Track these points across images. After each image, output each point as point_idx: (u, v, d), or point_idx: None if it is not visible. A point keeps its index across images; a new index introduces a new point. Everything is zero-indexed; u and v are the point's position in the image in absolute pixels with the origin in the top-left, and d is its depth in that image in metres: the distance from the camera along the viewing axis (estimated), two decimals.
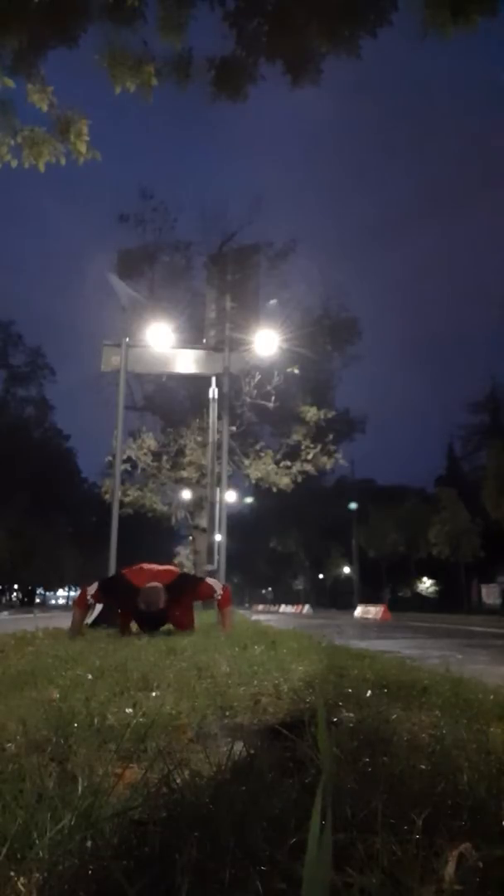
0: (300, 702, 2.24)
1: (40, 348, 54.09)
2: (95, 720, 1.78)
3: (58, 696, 2.22)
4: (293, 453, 21.11)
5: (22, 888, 0.86)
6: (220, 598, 5.88)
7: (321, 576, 72.53)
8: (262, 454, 21.17)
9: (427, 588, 59.94)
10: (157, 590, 5.42)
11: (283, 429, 22.87)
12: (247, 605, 66.83)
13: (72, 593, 70.31)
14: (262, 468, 20.87)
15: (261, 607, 59.10)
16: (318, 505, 57.43)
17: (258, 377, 19.50)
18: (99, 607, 6.44)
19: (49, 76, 4.75)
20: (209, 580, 6.32)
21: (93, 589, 5.65)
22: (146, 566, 5.87)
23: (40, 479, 49.41)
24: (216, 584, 6.03)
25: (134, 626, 5.94)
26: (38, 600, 65.90)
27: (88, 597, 5.65)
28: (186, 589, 5.83)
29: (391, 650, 6.41)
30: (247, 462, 21.08)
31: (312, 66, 4.34)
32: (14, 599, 59.06)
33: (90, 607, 5.98)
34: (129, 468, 20.61)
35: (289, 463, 20.96)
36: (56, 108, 4.89)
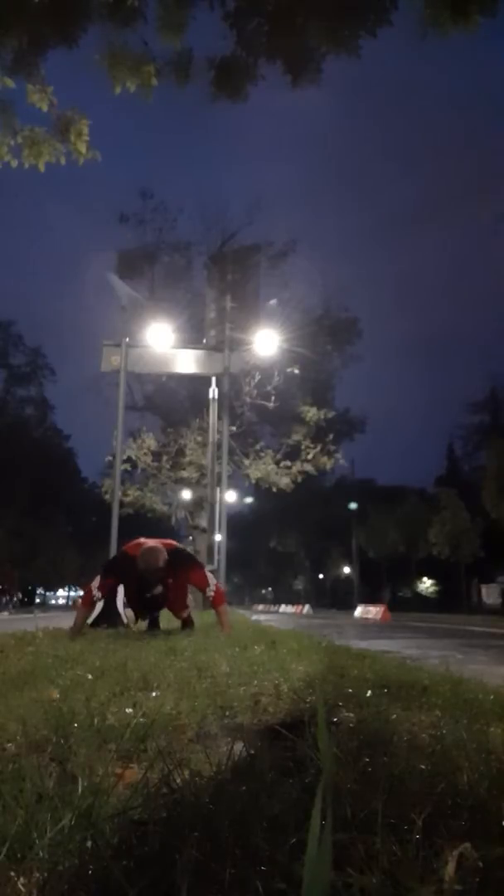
0: (300, 702, 2.24)
1: (40, 348, 54.08)
2: (95, 720, 1.78)
3: (58, 696, 2.22)
4: (293, 453, 21.11)
5: (22, 888, 0.86)
6: (212, 595, 5.79)
7: (321, 576, 72.56)
8: (262, 454, 21.18)
9: (427, 588, 59.95)
10: (156, 550, 5.45)
11: (283, 429, 22.89)
12: (247, 604, 66.83)
13: (72, 593, 70.30)
14: (262, 468, 20.87)
15: (261, 607, 59.09)
16: (318, 505, 57.46)
17: (258, 377, 19.51)
18: (99, 606, 6.44)
19: (49, 76, 4.76)
20: (207, 571, 6.22)
21: (97, 582, 5.58)
22: (142, 539, 5.88)
23: (40, 479, 49.37)
24: (211, 578, 5.93)
25: (134, 626, 5.94)
26: (38, 600, 65.87)
27: (94, 591, 5.56)
28: (182, 564, 5.80)
29: (391, 650, 6.41)
30: (247, 462, 21.09)
31: (312, 66, 4.34)
32: (14, 599, 59.02)
33: (95, 604, 5.95)
34: (129, 468, 20.62)
35: (289, 463, 20.96)
36: (56, 108, 4.89)
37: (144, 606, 6.00)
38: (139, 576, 5.48)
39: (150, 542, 5.70)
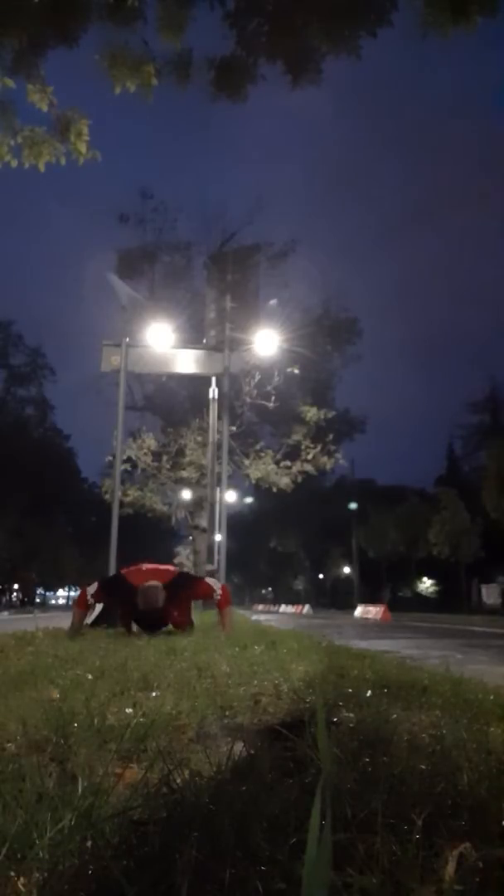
0: (300, 702, 2.24)
1: (40, 348, 53.97)
2: (95, 720, 1.78)
3: (58, 696, 2.22)
4: (293, 453, 21.10)
5: (22, 888, 0.86)
6: (219, 597, 5.88)
7: (321, 576, 72.54)
8: (262, 454, 21.16)
9: (427, 588, 59.93)
10: (155, 589, 5.42)
11: (283, 429, 22.88)
12: (247, 604, 66.85)
13: (72, 593, 70.33)
14: (262, 468, 20.86)
15: (261, 607, 59.09)
16: (318, 505, 57.42)
17: (258, 377, 19.50)
18: (99, 607, 6.45)
19: (49, 76, 4.76)
20: (208, 580, 6.31)
21: (92, 589, 5.66)
22: (145, 566, 5.88)
23: (40, 479, 49.34)
24: (215, 583, 6.02)
25: (134, 627, 5.94)
26: (38, 600, 65.87)
27: (88, 597, 5.66)
28: (185, 588, 5.83)
29: (391, 650, 6.41)
30: (247, 462, 21.08)
31: (312, 66, 4.34)
32: (14, 599, 59.02)
33: (90, 607, 5.99)
34: (129, 468, 20.61)
35: (289, 463, 20.95)
36: (56, 108, 4.89)
37: (145, 624, 6.01)
38: (138, 606, 5.47)
39: (151, 578, 5.57)
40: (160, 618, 5.67)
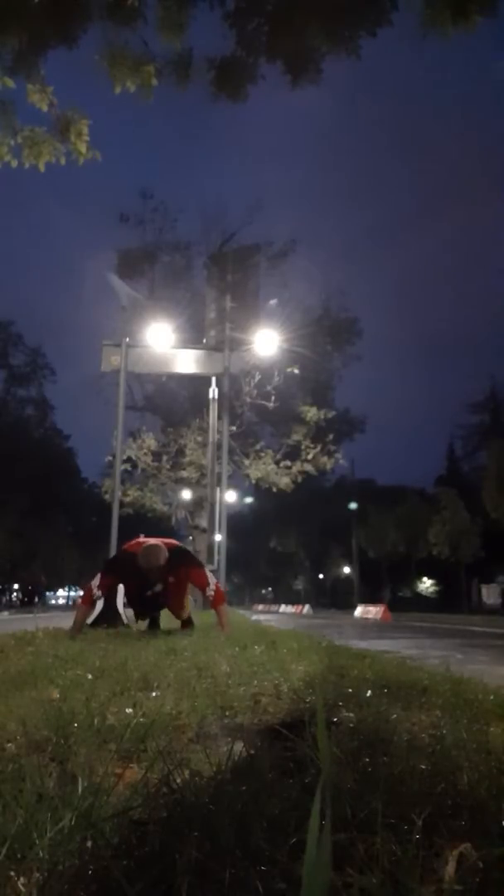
0: (300, 702, 2.24)
1: (40, 348, 53.83)
2: (95, 720, 1.77)
3: (58, 696, 2.22)
4: (293, 453, 21.13)
5: (22, 888, 0.86)
6: (212, 594, 5.79)
7: (321, 576, 72.54)
8: (262, 454, 21.18)
9: (427, 588, 59.95)
10: (157, 547, 5.50)
11: (283, 429, 22.90)
12: (247, 604, 66.84)
13: (72, 593, 70.33)
14: (262, 468, 20.88)
15: (261, 607, 59.07)
16: (318, 505, 57.45)
17: (258, 377, 19.51)
18: (99, 606, 6.44)
19: (49, 76, 4.76)
20: (207, 571, 6.23)
21: (97, 581, 5.58)
22: (144, 538, 5.95)
23: (40, 479, 49.30)
24: (211, 578, 5.94)
25: (134, 626, 5.95)
26: (36, 599, 65.84)
27: (94, 590, 5.56)
28: (184, 562, 5.83)
29: (391, 650, 6.40)
30: (247, 462, 21.09)
31: (312, 66, 4.34)
32: (14, 599, 59.00)
33: (95, 603, 5.96)
34: (129, 468, 20.64)
35: (289, 463, 20.97)
36: (56, 108, 4.89)
37: (144, 605, 6.02)
38: (140, 574, 5.50)
39: (152, 540, 5.75)
40: (162, 593, 5.69)
